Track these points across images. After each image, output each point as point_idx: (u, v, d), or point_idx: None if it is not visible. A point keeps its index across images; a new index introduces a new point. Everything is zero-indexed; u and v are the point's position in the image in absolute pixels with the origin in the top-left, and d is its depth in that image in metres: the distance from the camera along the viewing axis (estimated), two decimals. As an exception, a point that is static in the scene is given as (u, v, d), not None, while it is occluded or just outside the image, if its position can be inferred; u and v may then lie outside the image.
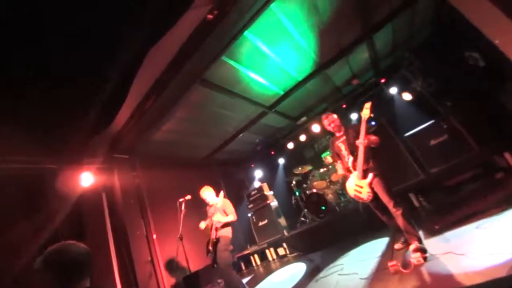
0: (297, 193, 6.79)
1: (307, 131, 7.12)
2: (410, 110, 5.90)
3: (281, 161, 8.23)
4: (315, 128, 6.65)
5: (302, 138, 7.36)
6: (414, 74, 5.78)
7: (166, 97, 3.71)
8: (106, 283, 4.08)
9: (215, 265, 3.82)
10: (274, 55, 4.22)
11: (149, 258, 4.77)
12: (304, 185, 6.69)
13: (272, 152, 8.28)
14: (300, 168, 7.05)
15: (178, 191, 4.55)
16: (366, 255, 3.33)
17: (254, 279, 4.94)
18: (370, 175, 2.86)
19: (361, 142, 2.88)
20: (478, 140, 4.15)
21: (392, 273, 2.45)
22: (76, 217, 3.92)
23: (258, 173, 8.17)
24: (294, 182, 6.88)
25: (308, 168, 7.01)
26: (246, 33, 3.48)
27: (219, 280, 4.80)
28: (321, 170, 6.51)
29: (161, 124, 4.42)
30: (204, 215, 4.25)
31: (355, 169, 2.98)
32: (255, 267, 6.05)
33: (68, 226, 3.62)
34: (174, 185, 5.16)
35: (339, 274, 3.10)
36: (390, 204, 2.76)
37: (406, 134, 4.89)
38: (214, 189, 4.36)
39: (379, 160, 3.01)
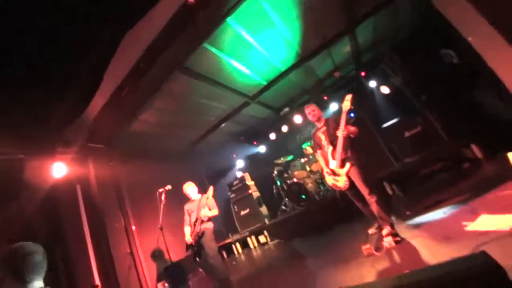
0: (278, 183, 6.91)
1: (289, 122, 7.20)
2: (388, 103, 6.14)
3: (263, 150, 8.28)
4: (297, 119, 6.74)
5: (284, 129, 7.44)
6: (393, 69, 5.99)
7: (144, 86, 3.56)
8: (84, 277, 3.96)
9: (197, 258, 3.84)
10: (257, 45, 4.17)
11: (128, 250, 4.68)
12: (285, 175, 6.82)
13: (255, 143, 8.30)
14: (281, 158, 7.16)
15: (158, 182, 4.43)
16: (343, 240, 3.51)
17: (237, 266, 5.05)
18: (348, 165, 2.97)
19: (340, 132, 2.97)
20: (449, 133, 4.45)
21: (365, 256, 2.61)
22: (50, 210, 3.74)
23: (240, 163, 8.19)
24: (275, 172, 6.98)
25: (289, 158, 7.13)
26: (229, 20, 3.39)
27: (201, 270, 4.84)
28: (302, 160, 6.66)
29: (139, 113, 4.26)
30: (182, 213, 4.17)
31: (334, 159, 3.08)
32: (237, 255, 6.15)
33: (43, 220, 3.44)
34: (154, 177, 5.02)
35: (315, 258, 3.25)
36: (365, 192, 2.90)
37: (383, 126, 5.11)
38: (194, 183, 4.32)
39: (357, 150, 3.13)
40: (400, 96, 5.85)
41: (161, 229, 4.03)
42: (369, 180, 3.00)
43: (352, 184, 3.00)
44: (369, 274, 2.23)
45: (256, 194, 6.81)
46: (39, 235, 3.40)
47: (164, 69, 3.52)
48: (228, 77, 4.62)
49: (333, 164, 3.09)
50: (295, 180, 6.29)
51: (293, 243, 4.87)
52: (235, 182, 7.12)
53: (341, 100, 3.16)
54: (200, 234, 3.81)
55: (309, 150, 6.51)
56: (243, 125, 6.97)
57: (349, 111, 3.09)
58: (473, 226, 2.17)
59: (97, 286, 4.09)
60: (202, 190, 4.25)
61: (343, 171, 2.99)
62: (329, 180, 3.15)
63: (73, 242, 4.03)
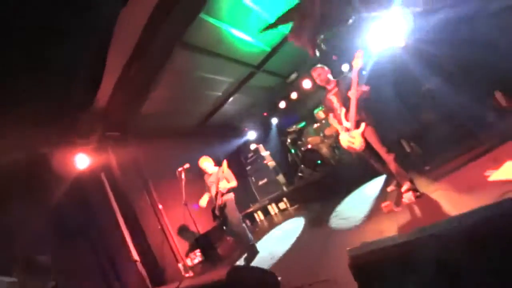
0: (292, 151, 6.95)
1: (298, 88, 6.98)
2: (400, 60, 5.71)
3: (274, 121, 8.20)
4: (306, 84, 6.51)
5: (294, 96, 7.24)
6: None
7: (148, 65, 3.50)
8: (123, 255, 4.34)
9: (224, 227, 4.08)
10: (257, 7, 3.90)
11: (159, 227, 5.03)
12: (299, 142, 6.81)
13: (265, 114, 8.20)
14: (293, 126, 7.10)
15: (176, 160, 4.61)
16: (361, 200, 3.57)
17: (260, 232, 5.34)
18: (363, 125, 2.90)
19: (352, 93, 2.85)
20: (470, 81, 4.14)
21: (385, 213, 2.66)
22: (80, 199, 4.00)
23: (252, 135, 8.21)
24: (289, 141, 6.99)
25: (301, 125, 7.05)
26: (223, -16, 3.16)
27: (228, 238, 5.18)
28: (315, 126, 6.57)
29: (148, 94, 4.24)
30: (203, 185, 4.35)
31: (347, 121, 3.00)
32: (259, 222, 6.47)
33: (74, 210, 3.71)
34: (172, 155, 5.18)
35: (339, 218, 3.36)
36: (382, 151, 2.86)
37: (398, 81, 4.84)
38: (211, 157, 4.43)
39: (372, 110, 3.03)
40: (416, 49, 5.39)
41: (186, 204, 4.28)
42: (385, 139, 2.95)
43: (368, 144, 2.95)
44: (389, 229, 2.28)
45: (272, 163, 6.92)
46: (72, 225, 3.68)
47: (164, 46, 3.42)
48: (230, 47, 4.43)
49: (347, 126, 3.02)
50: (309, 146, 6.28)
51: (313, 207, 5.02)
52: (249, 154, 7.23)
53: (351, 59, 2.99)
54: (222, 206, 4.00)
55: (321, 114, 6.37)
56: (251, 97, 6.84)
57: (360, 70, 2.93)
58: (497, 175, 2.11)
59: (137, 261, 4.51)
60: (218, 164, 4.37)
61: (358, 132, 2.93)
62: (344, 142, 3.11)
63: (107, 226, 4.36)
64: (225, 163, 4.12)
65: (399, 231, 2.18)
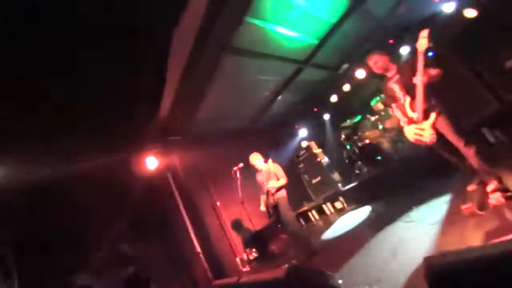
0: (348, 147, 6.54)
1: (351, 79, 6.52)
2: (476, 30, 4.79)
3: (327, 116, 7.84)
4: (360, 74, 6.03)
5: (346, 88, 6.79)
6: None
7: (199, 75, 3.77)
8: (188, 248, 4.78)
9: (279, 225, 4.11)
10: (299, 0, 3.79)
11: (218, 222, 5.37)
12: (355, 137, 6.37)
13: (315, 109, 7.91)
14: (348, 121, 6.67)
15: (232, 160, 4.84)
16: (434, 200, 3.13)
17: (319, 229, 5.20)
18: (433, 115, 2.53)
19: (419, 79, 2.51)
20: None
21: (467, 216, 2.27)
22: (153, 198, 4.58)
23: (304, 133, 8.01)
24: (343, 136, 6.60)
25: (357, 119, 6.57)
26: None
27: (283, 236, 5.19)
28: (372, 118, 6.04)
29: (201, 102, 4.57)
30: (259, 186, 4.43)
31: (413, 111, 2.66)
32: (315, 222, 6.30)
33: (149, 207, 4.27)
34: (227, 156, 5.47)
35: (405, 222, 3.02)
36: (460, 144, 2.44)
37: (473, 56, 4.06)
38: (262, 155, 4.49)
39: (442, 96, 2.62)
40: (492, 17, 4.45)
41: (242, 203, 4.46)
42: (462, 129, 2.52)
43: (440, 136, 2.57)
44: (473, 236, 1.94)
45: (325, 161, 6.65)
46: (146, 220, 4.24)
47: (213, 54, 3.62)
48: (275, 46, 4.41)
49: (414, 117, 2.67)
50: (367, 141, 5.82)
51: (375, 207, 4.64)
52: (301, 152, 7.10)
53: (414, 40, 2.64)
54: (274, 205, 4.01)
55: (379, 106, 5.82)
56: (300, 93, 6.69)
57: (426, 51, 2.56)
58: None
59: (199, 253, 4.91)
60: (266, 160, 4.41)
61: (427, 124, 2.57)
62: (411, 135, 2.76)
63: (174, 221, 4.86)
64: (270, 160, 4.13)
65: (487, 239, 1.84)
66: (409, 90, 2.67)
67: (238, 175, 4.56)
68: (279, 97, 6.14)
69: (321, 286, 1.76)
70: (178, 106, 4.10)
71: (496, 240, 1.61)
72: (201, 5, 2.87)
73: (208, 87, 4.24)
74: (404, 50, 5.37)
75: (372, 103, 5.98)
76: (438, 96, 2.60)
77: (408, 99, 2.69)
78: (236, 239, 5.40)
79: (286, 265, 1.65)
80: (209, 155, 5.65)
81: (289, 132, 8.06)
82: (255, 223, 5.03)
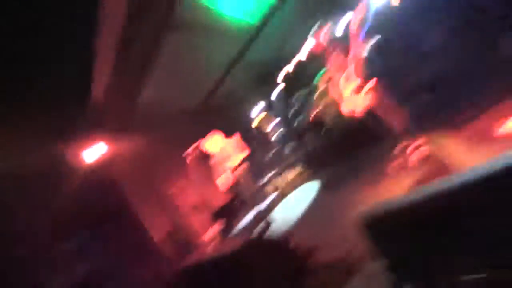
0: (297, 121, 6.86)
1: (298, 55, 6.65)
2: None
3: (276, 92, 7.95)
4: (306, 48, 6.19)
5: (294, 63, 6.92)
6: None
7: (139, 52, 3.40)
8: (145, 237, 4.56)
9: (237, 201, 4.23)
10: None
11: (179, 204, 5.20)
12: (303, 111, 6.69)
13: (266, 85, 7.95)
14: (296, 94, 6.94)
15: (184, 143, 4.67)
16: (370, 163, 3.55)
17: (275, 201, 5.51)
18: (368, 85, 2.77)
19: (353, 53, 2.71)
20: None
21: (395, 173, 2.65)
22: (106, 188, 4.16)
23: (256, 109, 8.03)
24: (293, 111, 6.88)
25: (307, 90, 6.84)
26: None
27: (243, 209, 5.38)
28: (318, 92, 6.36)
29: (143, 81, 4.17)
30: (212, 167, 4.38)
31: (350, 82, 2.87)
32: (273, 191, 6.62)
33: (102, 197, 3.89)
34: (179, 139, 5.24)
35: (346, 183, 3.40)
36: (393, 108, 2.76)
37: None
38: (224, 134, 4.42)
39: (379, 65, 2.88)
40: None
41: (199, 184, 4.44)
42: (397, 93, 2.81)
43: (371, 108, 2.83)
44: (399, 189, 2.28)
45: (277, 135, 6.92)
46: (101, 211, 3.88)
47: (153, 30, 3.27)
48: (220, 22, 4.19)
49: (356, 83, 2.88)
50: (313, 115, 6.18)
51: (323, 172, 5.07)
52: (254, 128, 7.24)
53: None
54: (237, 179, 4.09)
55: (323, 80, 6.14)
56: (250, 71, 6.62)
57: (361, 25, 2.74)
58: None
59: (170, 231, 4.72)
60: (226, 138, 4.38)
61: (362, 95, 2.83)
62: (347, 106, 3.01)
63: (129, 213, 4.53)
64: (234, 137, 4.15)
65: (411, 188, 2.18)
66: (347, 63, 2.87)
67: (191, 159, 4.46)
68: (230, 74, 5.98)
69: (275, 251, 1.92)
70: (115, 89, 3.66)
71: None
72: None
73: (149, 65, 3.86)
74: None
75: (317, 77, 6.28)
76: (375, 67, 2.84)
77: (346, 72, 2.90)
78: (199, 219, 5.38)
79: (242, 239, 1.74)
80: (158, 139, 5.32)
81: (242, 109, 8.00)
82: (216, 201, 5.10)
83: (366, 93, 2.79)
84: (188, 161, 4.46)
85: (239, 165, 4.14)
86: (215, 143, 4.34)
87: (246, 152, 4.11)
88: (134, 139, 5.03)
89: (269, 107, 8.07)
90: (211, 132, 4.41)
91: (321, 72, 6.07)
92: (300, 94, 6.85)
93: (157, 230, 4.79)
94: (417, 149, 2.61)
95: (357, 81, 2.81)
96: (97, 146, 4.22)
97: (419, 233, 0.96)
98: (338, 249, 2.00)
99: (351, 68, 2.75)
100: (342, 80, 2.91)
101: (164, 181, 5.19)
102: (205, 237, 5.03)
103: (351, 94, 2.87)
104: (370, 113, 2.92)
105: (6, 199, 3.20)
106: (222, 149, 4.27)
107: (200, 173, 4.68)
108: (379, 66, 2.88)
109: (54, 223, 3.27)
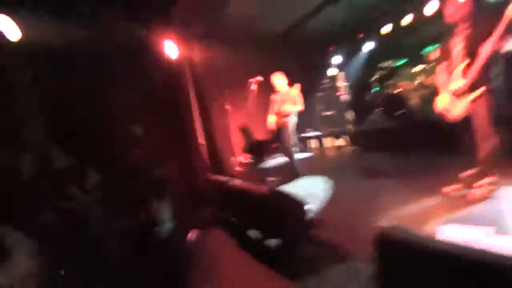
0: (375, 89, 6.10)
1: (417, 11, 5.36)
2: None
3: (368, 47, 6.87)
4: (431, 6, 4.92)
5: (407, 20, 5.66)
6: None
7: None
8: (193, 138, 5.17)
9: (277, 144, 4.38)
10: None
11: (224, 123, 5.66)
12: (387, 82, 5.85)
13: (361, 35, 6.86)
14: (389, 61, 5.95)
15: (252, 70, 4.69)
16: (428, 168, 3.22)
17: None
18: (479, 91, 2.23)
19: (489, 45, 2.08)
20: None
21: (443, 195, 2.40)
22: (169, 83, 4.59)
23: (336, 60, 7.27)
24: (376, 76, 6.04)
25: (400, 62, 5.83)
26: None
27: (278, 154, 5.62)
28: (415, 68, 5.33)
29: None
30: (271, 104, 4.40)
31: (464, 77, 2.32)
32: (312, 150, 6.65)
33: (161, 91, 4.34)
34: (249, 64, 5.23)
35: (389, 177, 3.22)
36: (488, 131, 2.27)
37: None
38: (287, 76, 4.32)
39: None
40: None
41: (250, 113, 4.65)
42: (500, 117, 2.28)
43: (469, 118, 2.35)
44: (436, 216, 2.09)
45: (345, 97, 6.38)
46: (161, 103, 4.35)
47: None
48: None
49: (459, 84, 2.36)
50: (397, 90, 5.38)
51: (372, 155, 4.80)
52: (325, 80, 6.71)
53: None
54: (281, 125, 4.16)
55: (432, 56, 5.02)
56: (349, 12, 5.65)
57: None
58: None
59: (203, 144, 5.41)
60: (291, 82, 4.28)
61: (467, 99, 2.31)
62: (442, 102, 2.53)
63: (184, 113, 5.04)
64: (297, 86, 4.04)
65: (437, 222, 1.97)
66: (473, 53, 2.25)
67: (254, 87, 4.54)
68: (324, 10, 5.25)
69: (295, 211, 2.08)
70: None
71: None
72: None
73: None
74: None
75: (425, 50, 5.14)
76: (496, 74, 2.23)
77: (465, 63, 2.31)
78: (237, 143, 5.85)
79: (270, 186, 1.89)
80: (230, 57, 5.37)
81: (321, 54, 7.30)
82: (257, 134, 5.35)
83: (473, 101, 2.27)
84: (251, 86, 4.55)
85: (290, 114, 4.11)
86: (282, 82, 4.27)
87: (300, 105, 4.01)
88: (212, 48, 5.15)
89: (352, 62, 7.19)
90: (281, 72, 4.30)
91: (434, 45, 4.90)
92: (393, 62, 5.84)
93: (202, 136, 5.36)
94: (484, 186, 2.24)
95: (466, 81, 2.26)
96: (177, 44, 4.45)
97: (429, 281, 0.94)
98: (342, 235, 2.08)
99: (478, 59, 2.15)
100: (459, 69, 2.34)
101: (224, 96, 5.45)
102: (235, 161, 5.54)
103: (454, 94, 2.36)
104: (465, 122, 2.44)
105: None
106: (286, 91, 4.21)
107: (257, 103, 4.79)
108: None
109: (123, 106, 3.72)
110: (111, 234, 2.95)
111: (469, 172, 2.72)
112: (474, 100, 2.28)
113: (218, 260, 2.47)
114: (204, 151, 5.25)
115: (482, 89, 2.22)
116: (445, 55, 2.55)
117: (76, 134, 3.12)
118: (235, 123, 5.76)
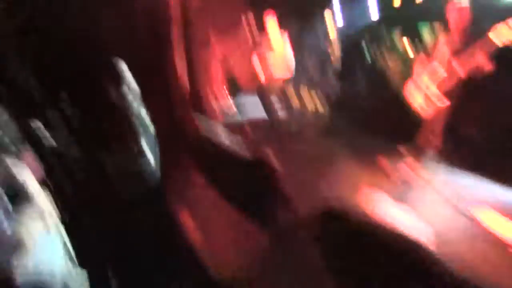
0: (363, 53, 5.95)
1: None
2: None
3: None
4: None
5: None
6: None
7: None
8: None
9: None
10: None
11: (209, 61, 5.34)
12: (382, 47, 5.67)
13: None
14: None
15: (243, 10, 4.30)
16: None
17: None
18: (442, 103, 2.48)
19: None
20: None
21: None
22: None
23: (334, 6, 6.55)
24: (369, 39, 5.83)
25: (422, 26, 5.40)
26: None
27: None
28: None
29: None
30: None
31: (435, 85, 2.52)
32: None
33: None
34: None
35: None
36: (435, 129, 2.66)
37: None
38: (280, 26, 4.09)
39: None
40: None
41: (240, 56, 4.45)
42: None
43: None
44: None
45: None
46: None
47: None
48: None
49: (430, 88, 2.58)
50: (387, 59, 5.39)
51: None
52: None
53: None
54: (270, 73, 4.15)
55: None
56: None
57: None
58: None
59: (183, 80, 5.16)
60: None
61: (432, 101, 2.59)
62: (410, 89, 2.77)
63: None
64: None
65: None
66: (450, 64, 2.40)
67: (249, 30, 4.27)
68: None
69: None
70: None
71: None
72: None
73: None
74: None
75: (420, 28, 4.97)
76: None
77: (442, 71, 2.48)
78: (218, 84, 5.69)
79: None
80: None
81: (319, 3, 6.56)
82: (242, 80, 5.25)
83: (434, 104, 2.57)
84: (242, 31, 4.27)
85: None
86: (274, 30, 4.06)
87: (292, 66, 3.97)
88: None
89: (351, 16, 6.67)
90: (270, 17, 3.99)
91: (427, 24, 4.72)
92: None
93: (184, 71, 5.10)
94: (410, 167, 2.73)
95: (435, 90, 2.50)
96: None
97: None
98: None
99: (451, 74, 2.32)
100: (432, 71, 2.52)
101: (215, 35, 5.01)
102: (216, 104, 5.51)
103: (422, 90, 2.61)
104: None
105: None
106: (277, 40, 4.06)
107: (247, 47, 4.59)
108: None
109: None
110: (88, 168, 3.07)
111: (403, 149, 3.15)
112: (435, 105, 2.57)
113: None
114: (185, 88, 5.12)
115: (445, 103, 2.48)
116: (430, 48, 2.67)
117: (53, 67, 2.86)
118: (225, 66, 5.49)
